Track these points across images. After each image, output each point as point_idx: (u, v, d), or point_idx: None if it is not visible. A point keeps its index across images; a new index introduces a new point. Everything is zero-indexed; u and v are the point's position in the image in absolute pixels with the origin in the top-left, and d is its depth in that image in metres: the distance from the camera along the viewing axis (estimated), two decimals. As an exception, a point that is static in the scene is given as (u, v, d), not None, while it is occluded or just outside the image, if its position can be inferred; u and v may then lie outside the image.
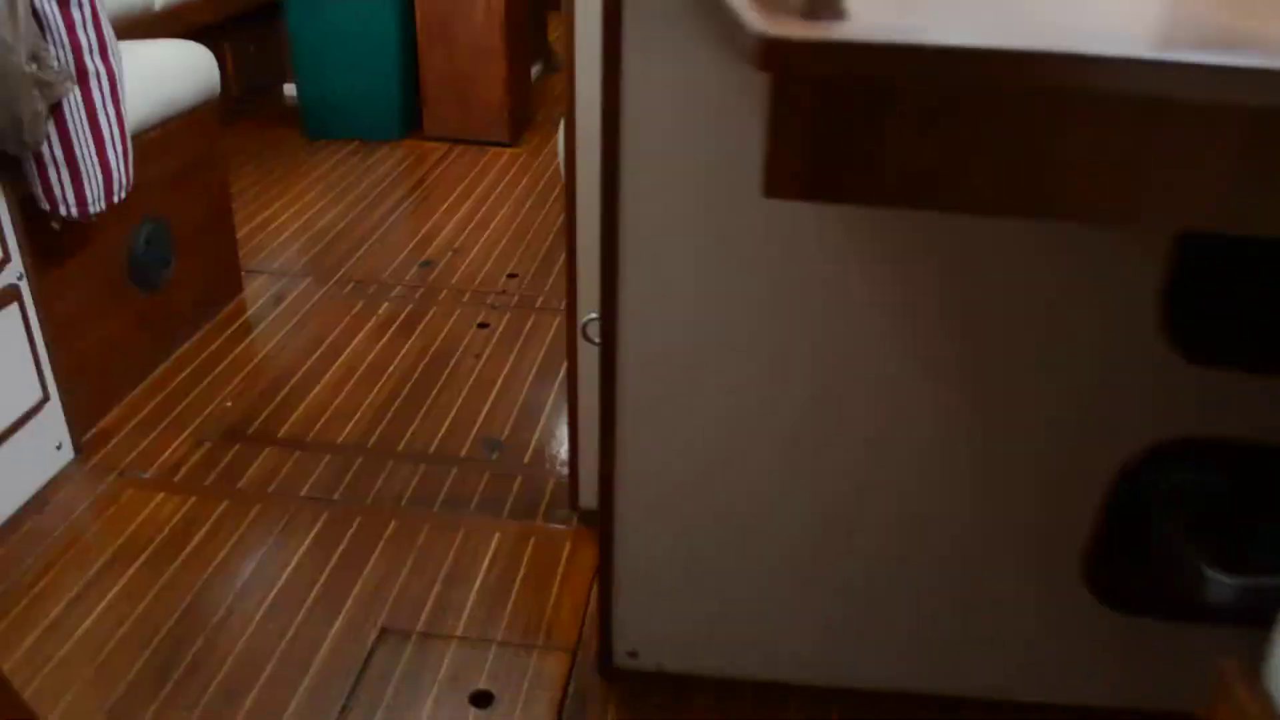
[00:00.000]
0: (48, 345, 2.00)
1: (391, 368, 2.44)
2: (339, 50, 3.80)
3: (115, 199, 1.96)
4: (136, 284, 2.31)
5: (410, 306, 2.72)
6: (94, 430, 2.18)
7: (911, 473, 1.42)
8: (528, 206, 3.37)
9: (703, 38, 1.18)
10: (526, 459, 2.12)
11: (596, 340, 1.36)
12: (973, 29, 0.57)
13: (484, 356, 2.49)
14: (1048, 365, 1.32)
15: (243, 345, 2.53)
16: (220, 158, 2.64)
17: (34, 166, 1.80)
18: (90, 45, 1.76)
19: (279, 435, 2.19)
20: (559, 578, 1.82)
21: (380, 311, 2.70)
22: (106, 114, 1.84)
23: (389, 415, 2.26)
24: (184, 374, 2.40)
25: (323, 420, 2.24)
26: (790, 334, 1.35)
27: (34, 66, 1.64)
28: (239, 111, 4.10)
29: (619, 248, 1.30)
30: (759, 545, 1.50)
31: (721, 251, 1.30)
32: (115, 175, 1.92)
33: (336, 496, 2.01)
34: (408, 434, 2.20)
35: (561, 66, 4.61)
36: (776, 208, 1.25)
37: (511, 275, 2.90)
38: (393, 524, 1.93)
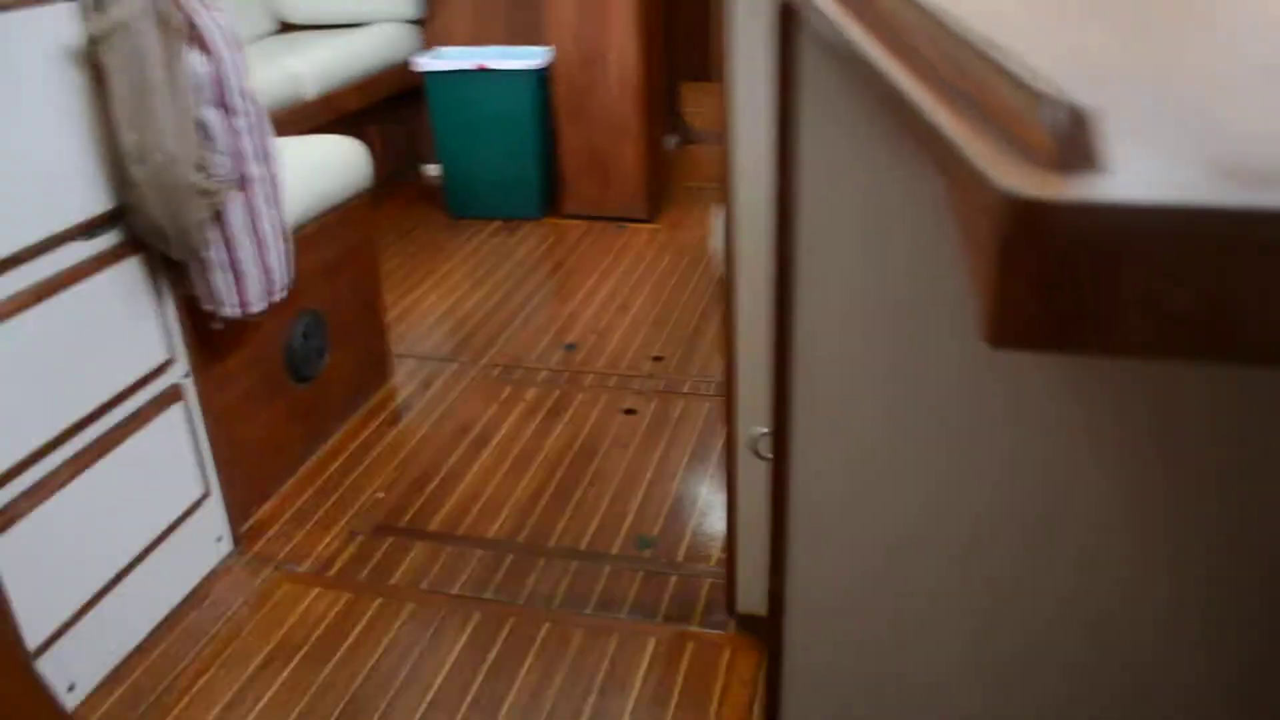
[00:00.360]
0: (209, 439, 2.04)
1: (540, 456, 2.41)
2: (480, 132, 3.87)
3: (276, 298, 1.99)
4: (293, 376, 2.35)
5: (556, 391, 2.70)
6: (251, 521, 2.21)
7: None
8: (670, 286, 3.34)
9: (884, 139, 1.11)
10: (680, 556, 2.05)
11: (768, 456, 1.28)
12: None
13: (632, 445, 2.44)
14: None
15: (393, 433, 2.55)
16: (371, 246, 2.69)
17: (198, 269, 1.83)
18: (253, 152, 1.80)
19: (430, 528, 2.18)
20: (719, 689, 1.73)
21: (527, 397, 2.68)
22: (268, 217, 1.87)
23: (538, 508, 2.22)
24: (337, 463, 2.42)
25: (473, 513, 2.22)
26: (975, 454, 1.25)
27: (200, 176, 1.68)
28: (384, 192, 4.21)
29: (792, 361, 1.23)
30: (936, 669, 1.39)
31: (908, 368, 1.21)
32: (276, 275, 1.96)
33: (488, 594, 1.97)
34: (558, 528, 2.16)
35: (697, 139, 4.56)
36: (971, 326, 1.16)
37: (656, 358, 2.85)
38: (545, 626, 1.88)
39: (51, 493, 1.66)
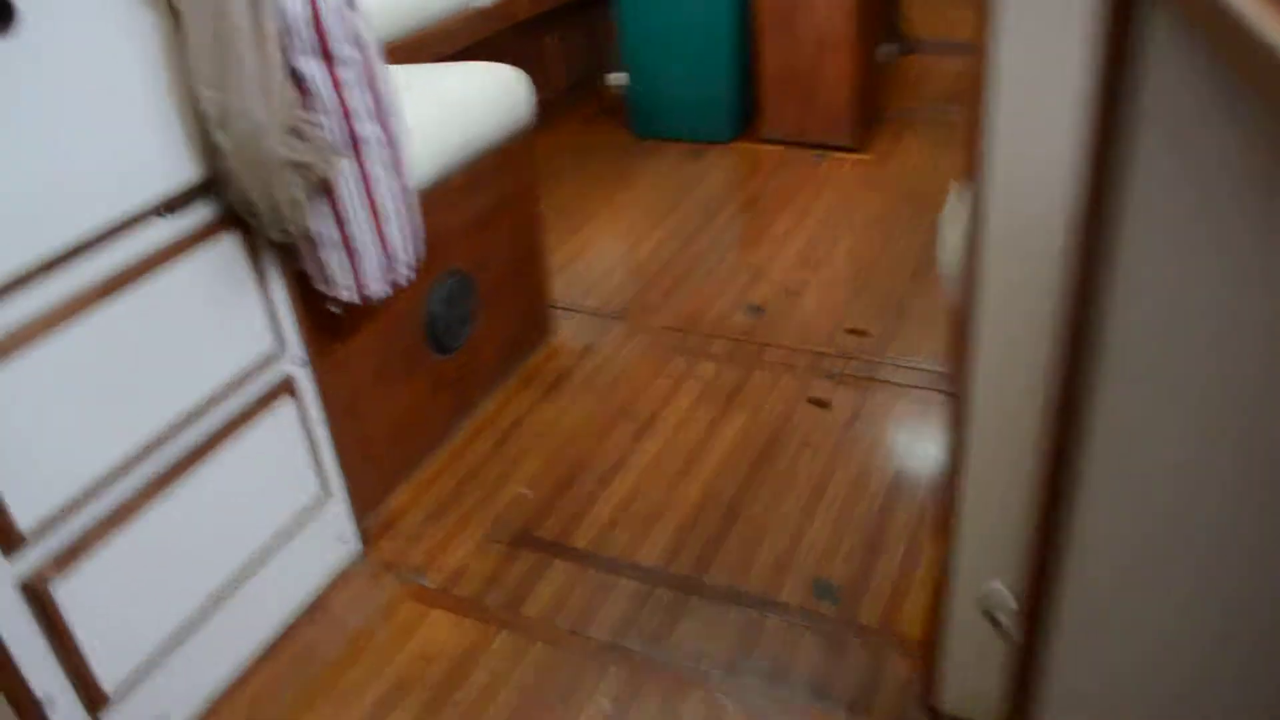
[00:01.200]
0: (332, 433, 1.78)
1: (709, 457, 2.05)
2: (672, 44, 3.44)
3: (401, 279, 1.69)
4: (434, 347, 2.06)
5: (735, 370, 2.32)
6: (382, 514, 1.96)
7: None
8: (874, 236, 2.87)
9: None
10: (864, 617, 1.67)
11: (1007, 623, 0.88)
12: None
13: (821, 450, 2.05)
14: None
15: (548, 410, 2.24)
16: (532, 192, 2.35)
17: (307, 246, 1.54)
18: (365, 108, 1.47)
19: (575, 543, 1.87)
20: (908, 821, 1.36)
21: (700, 373, 2.32)
22: (386, 184, 1.55)
23: (700, 526, 1.88)
24: (482, 445, 2.14)
25: (625, 525, 1.90)
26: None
27: (294, 145, 1.36)
28: (565, 105, 3.86)
29: (1083, 443, 0.81)
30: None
31: (1211, 456, 0.78)
32: (399, 252, 1.65)
33: (632, 643, 1.65)
34: (720, 556, 1.81)
35: (918, 49, 3.93)
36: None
37: (853, 331, 2.42)
38: (695, 697, 1.55)
39: (140, 508, 1.43)
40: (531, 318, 2.44)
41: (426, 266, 1.95)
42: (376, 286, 1.63)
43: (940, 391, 2.05)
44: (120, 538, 1.40)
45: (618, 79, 3.86)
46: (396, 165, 1.55)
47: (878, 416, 2.13)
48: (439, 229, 1.98)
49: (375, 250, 1.59)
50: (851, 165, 3.32)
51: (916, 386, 2.21)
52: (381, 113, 1.50)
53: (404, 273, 1.69)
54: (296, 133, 1.39)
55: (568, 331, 2.52)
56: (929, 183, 3.12)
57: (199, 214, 1.45)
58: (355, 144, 1.48)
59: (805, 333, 2.43)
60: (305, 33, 1.37)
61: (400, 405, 2.00)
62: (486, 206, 2.16)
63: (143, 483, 1.44)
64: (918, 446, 2.06)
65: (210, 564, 1.58)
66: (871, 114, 3.57)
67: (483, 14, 3.21)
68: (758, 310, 2.54)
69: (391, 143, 1.53)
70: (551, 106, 3.74)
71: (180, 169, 1.41)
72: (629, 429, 2.16)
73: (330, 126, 1.44)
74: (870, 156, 3.38)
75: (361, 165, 1.50)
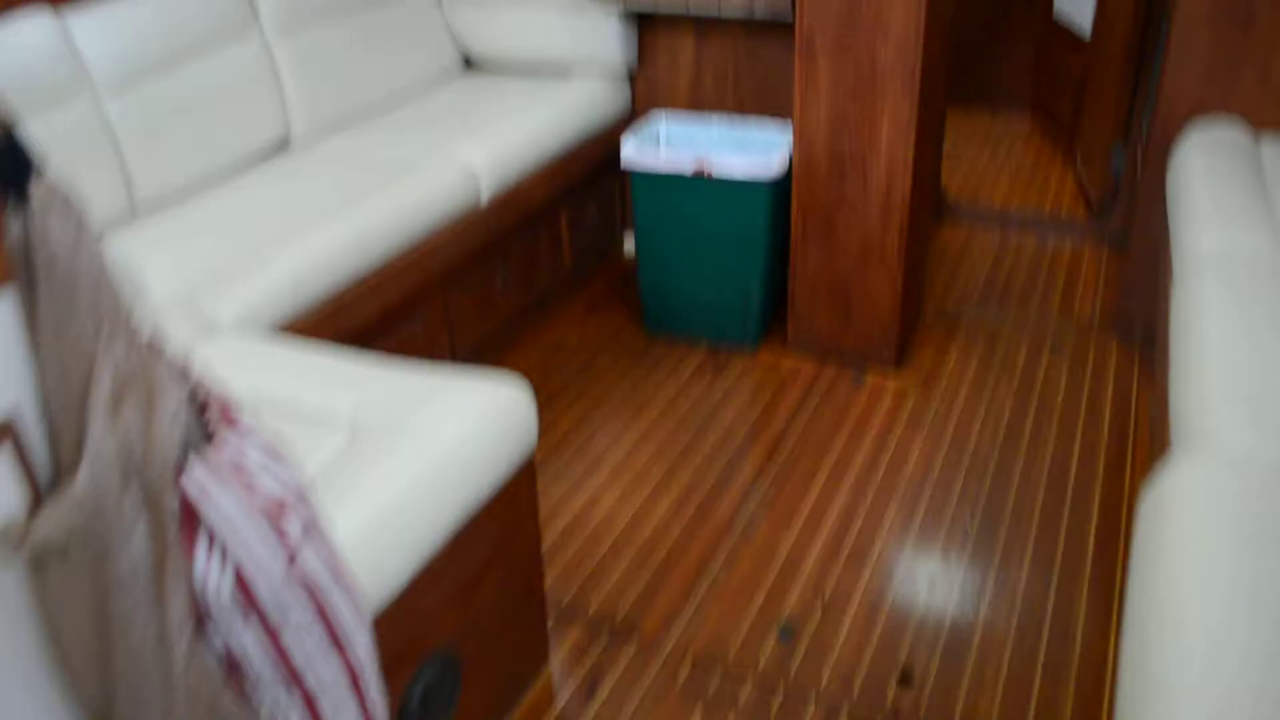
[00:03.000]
0: None
1: None
2: (694, 245, 3.06)
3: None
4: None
5: (764, 739, 1.94)
6: None
7: None
8: (922, 510, 2.49)
9: None
10: None
11: None
12: None
13: None
14: None
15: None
16: (532, 523, 1.96)
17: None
18: (318, 650, 1.08)
19: None
20: None
21: (723, 742, 1.93)
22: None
23: None
24: None
25: None
26: None
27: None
28: (570, 286, 3.48)
29: None
30: None
31: None
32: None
33: None
34: None
35: (959, 215, 3.54)
36: None
37: (904, 681, 2.04)
38: None
39: None
40: (525, 652, 2.05)
41: (400, 659, 1.57)
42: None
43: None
44: None
45: (631, 245, 3.51)
46: (361, 698, 1.16)
47: None
48: (416, 611, 1.60)
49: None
50: (892, 394, 2.95)
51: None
52: (341, 644, 1.11)
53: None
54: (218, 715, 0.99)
55: (565, 656, 2.13)
56: (977, 419, 2.78)
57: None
58: (307, 700, 1.08)
59: (845, 671, 2.05)
60: (229, 604, 0.97)
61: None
62: (477, 563, 1.77)
63: None
64: None
65: None
66: (913, 315, 3.20)
67: (483, 215, 2.83)
68: (789, 634, 2.16)
69: (355, 674, 1.14)
70: (554, 292, 3.37)
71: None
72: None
73: (270, 697, 1.04)
74: (912, 379, 3.01)
75: (315, 713, 1.10)
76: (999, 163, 4.60)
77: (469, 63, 3.69)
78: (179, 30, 2.69)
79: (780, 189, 2.97)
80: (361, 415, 1.73)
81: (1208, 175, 2.50)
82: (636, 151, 2.98)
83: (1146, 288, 3.05)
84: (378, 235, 2.50)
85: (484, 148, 2.89)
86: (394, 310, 2.59)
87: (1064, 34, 4.59)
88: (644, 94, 3.47)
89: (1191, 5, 2.78)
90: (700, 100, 3.40)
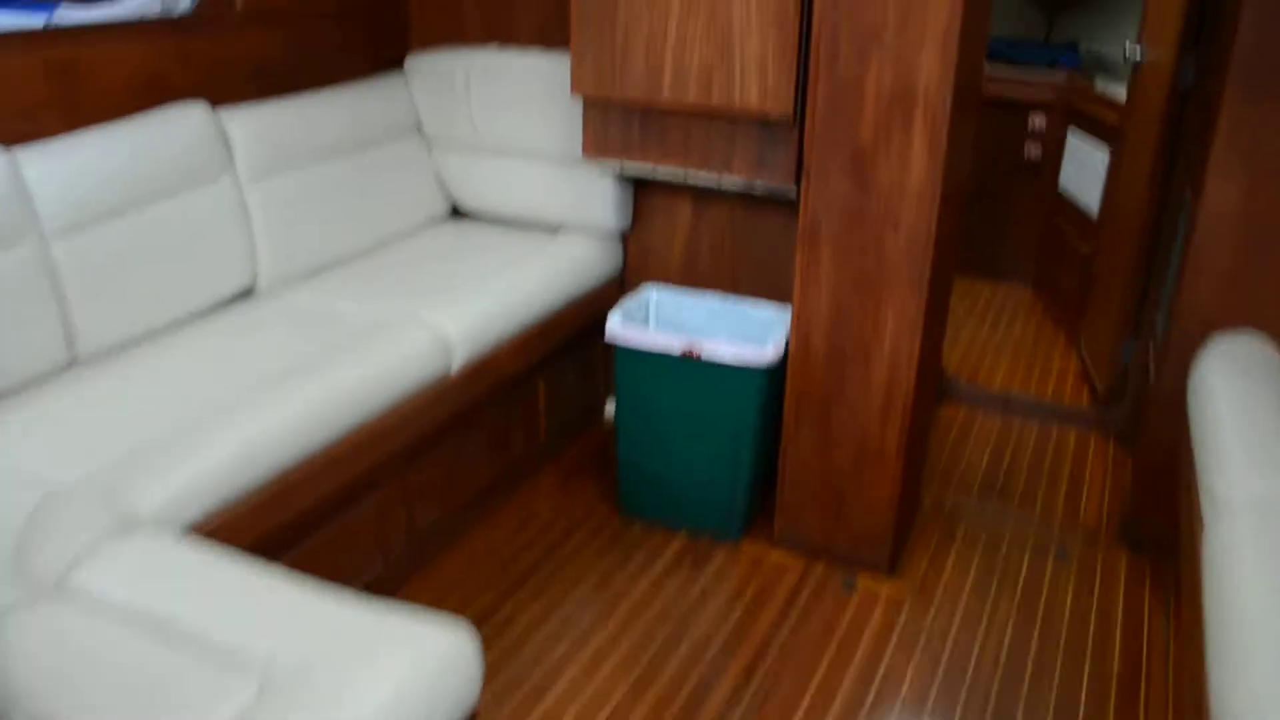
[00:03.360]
0: None
1: None
2: (677, 428, 2.85)
3: None
4: None
5: None
6: None
7: None
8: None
9: None
10: None
11: None
12: None
13: None
14: None
15: None
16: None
17: None
18: None
19: None
20: None
21: None
22: None
23: None
24: None
25: None
26: None
27: None
28: (544, 455, 3.26)
29: None
30: None
31: None
32: None
33: None
34: None
35: (960, 397, 3.30)
36: None
37: None
38: None
39: None
40: None
41: None
42: None
43: None
44: None
45: (611, 410, 3.30)
46: None
47: None
48: None
49: None
50: (885, 603, 2.70)
51: None
52: None
53: None
54: None
55: None
56: (976, 642, 2.54)
57: None
58: None
59: None
60: None
61: None
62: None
63: None
64: None
65: None
66: (910, 513, 2.97)
67: (453, 387, 2.62)
68: None
69: None
70: (527, 461, 3.14)
71: None
72: None
73: None
74: (907, 586, 2.77)
75: None
76: (999, 337, 4.44)
77: (457, 210, 3.54)
78: (145, 169, 2.52)
79: (774, 376, 2.78)
80: (277, 663, 1.49)
81: (1236, 403, 2.31)
82: (622, 327, 2.79)
83: (1159, 500, 2.84)
84: (334, 409, 2.28)
85: (459, 311, 2.70)
86: (347, 489, 2.36)
87: (1071, 209, 4.49)
88: (636, 255, 3.31)
89: (1215, 206, 2.63)
90: (695, 266, 3.24)
